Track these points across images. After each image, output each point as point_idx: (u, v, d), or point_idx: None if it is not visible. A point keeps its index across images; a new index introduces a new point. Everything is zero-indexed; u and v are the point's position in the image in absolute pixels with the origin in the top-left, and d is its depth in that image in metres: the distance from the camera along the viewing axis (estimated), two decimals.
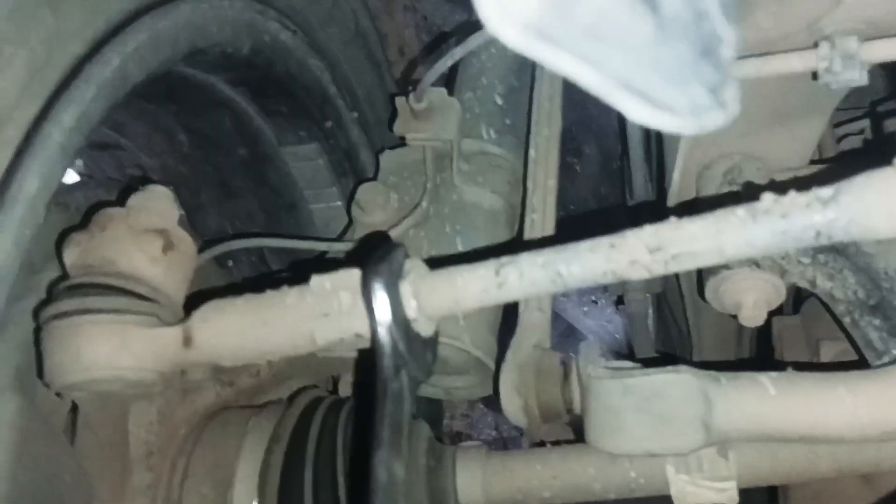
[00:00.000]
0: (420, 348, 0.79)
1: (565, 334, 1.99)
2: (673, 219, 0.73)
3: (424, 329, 0.80)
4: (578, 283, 0.74)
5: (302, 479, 1.09)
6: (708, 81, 0.43)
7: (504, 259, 0.73)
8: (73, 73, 0.83)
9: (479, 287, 0.73)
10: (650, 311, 1.63)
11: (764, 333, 1.59)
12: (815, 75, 0.91)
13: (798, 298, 1.51)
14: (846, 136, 1.42)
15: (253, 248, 1.53)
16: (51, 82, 0.80)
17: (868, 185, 0.66)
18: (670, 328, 1.70)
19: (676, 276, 1.38)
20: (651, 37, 0.41)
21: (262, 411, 1.20)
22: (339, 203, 1.55)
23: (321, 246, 1.35)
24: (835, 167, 1.14)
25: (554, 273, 0.70)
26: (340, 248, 1.33)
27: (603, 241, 0.70)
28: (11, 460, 0.88)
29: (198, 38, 1.06)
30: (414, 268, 0.76)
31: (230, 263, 1.58)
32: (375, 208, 1.34)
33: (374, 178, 1.39)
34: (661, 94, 0.40)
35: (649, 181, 1.56)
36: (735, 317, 1.13)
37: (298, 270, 0.88)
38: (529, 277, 0.71)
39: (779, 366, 1.31)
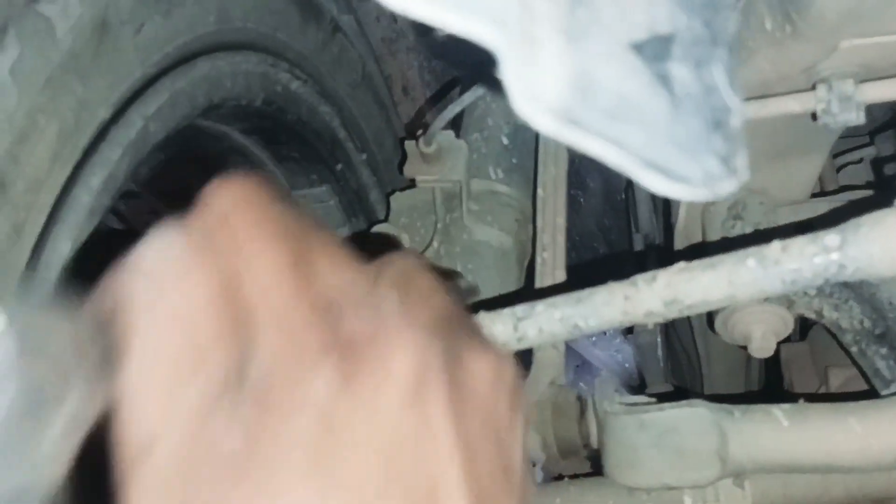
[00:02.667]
0: None
1: (576, 364, 2.02)
2: (683, 265, 0.76)
3: None
4: (595, 332, 0.77)
5: None
6: (719, 152, 0.46)
7: (520, 312, 0.76)
8: (99, 136, 0.86)
9: (499, 342, 0.76)
10: (659, 340, 1.65)
11: (772, 360, 1.61)
12: (813, 116, 0.94)
13: (805, 325, 1.54)
14: (846, 165, 1.45)
15: None
16: (79, 147, 0.83)
17: (872, 229, 0.69)
18: (679, 357, 1.72)
19: None
20: (666, 114, 0.44)
21: None
22: None
23: None
24: (837, 204, 1.17)
25: (571, 326, 0.73)
26: None
27: (617, 293, 0.72)
28: None
29: (214, 94, 1.10)
30: None
31: None
32: None
33: (386, 220, 1.42)
34: (677, 167, 0.43)
35: (654, 213, 1.59)
36: (744, 347, 1.16)
37: None
38: (548, 331, 0.74)
39: (789, 396, 1.34)
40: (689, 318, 1.41)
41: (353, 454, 0.36)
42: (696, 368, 1.57)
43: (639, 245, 1.64)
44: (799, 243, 0.73)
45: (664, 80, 0.45)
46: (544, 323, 0.78)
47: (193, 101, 1.04)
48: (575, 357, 1.98)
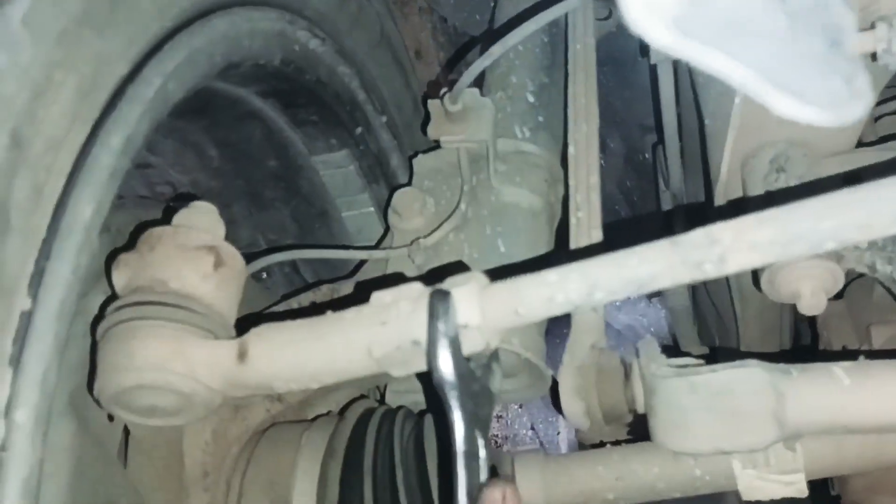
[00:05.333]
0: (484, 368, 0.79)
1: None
2: (730, 224, 0.71)
3: (492, 342, 0.78)
4: (634, 295, 0.72)
5: (361, 492, 1.07)
6: (842, 72, 0.41)
7: (554, 280, 0.71)
8: (117, 94, 0.81)
9: (542, 311, 0.72)
10: (689, 302, 1.61)
11: (806, 320, 1.57)
12: (873, 56, 0.89)
13: None
14: (883, 116, 1.40)
15: (287, 260, 1.51)
16: (98, 105, 0.78)
17: None
18: (707, 318, 1.68)
19: None
20: (785, 30, 0.39)
21: (314, 425, 1.18)
22: (372, 209, 1.53)
23: (360, 255, 1.33)
24: (883, 153, 1.12)
25: (609, 292, 0.69)
26: (379, 256, 1.31)
27: (659, 257, 0.67)
28: (68, 485, 0.86)
29: (232, 52, 1.04)
30: (476, 287, 0.75)
31: (264, 276, 1.57)
32: (413, 214, 1.31)
33: (408, 183, 1.37)
34: (803, 88, 0.38)
35: (684, 170, 1.54)
36: (791, 306, 1.11)
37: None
38: (587, 297, 0.70)
39: (825, 355, 1.29)
40: (727, 279, 1.37)
41: None
42: (730, 329, 1.52)
43: (667, 204, 1.59)
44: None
45: None
46: (582, 289, 0.73)
47: (211, 59, 0.99)
48: None
